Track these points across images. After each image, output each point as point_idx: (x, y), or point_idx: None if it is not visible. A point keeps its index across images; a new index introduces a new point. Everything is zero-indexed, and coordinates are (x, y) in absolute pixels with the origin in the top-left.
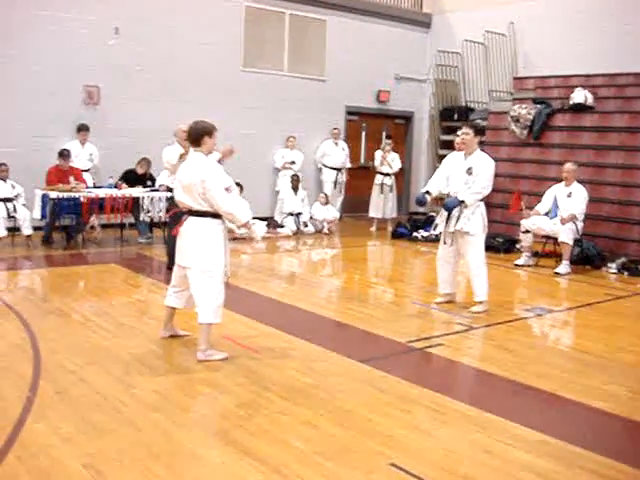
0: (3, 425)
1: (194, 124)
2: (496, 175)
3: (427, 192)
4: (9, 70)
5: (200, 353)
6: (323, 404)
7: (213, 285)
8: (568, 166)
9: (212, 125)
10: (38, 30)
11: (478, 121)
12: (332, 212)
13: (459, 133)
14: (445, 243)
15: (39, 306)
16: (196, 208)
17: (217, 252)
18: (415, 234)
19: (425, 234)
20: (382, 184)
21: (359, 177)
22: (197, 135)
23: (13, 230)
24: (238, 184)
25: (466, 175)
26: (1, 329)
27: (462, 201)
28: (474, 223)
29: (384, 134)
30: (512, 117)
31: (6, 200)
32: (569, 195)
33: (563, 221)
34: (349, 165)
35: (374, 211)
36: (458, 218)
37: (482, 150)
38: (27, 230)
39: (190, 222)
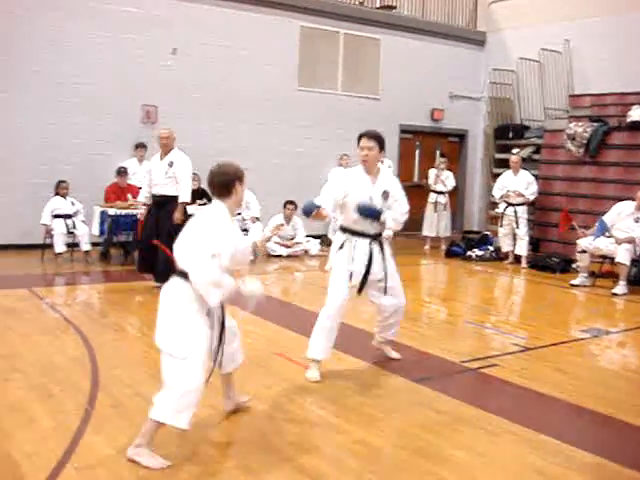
0: (62, 436)
1: (218, 168)
2: (552, 194)
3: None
4: (70, 90)
5: (131, 447)
6: (377, 423)
7: (182, 377)
8: None
9: (240, 168)
10: (100, 51)
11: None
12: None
13: (361, 145)
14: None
15: (97, 321)
16: (182, 268)
17: (194, 332)
18: (469, 253)
19: (480, 253)
20: (436, 202)
21: (413, 195)
22: (227, 182)
23: (72, 246)
24: (292, 202)
25: (382, 200)
26: (60, 343)
27: (382, 222)
28: (392, 261)
29: (438, 152)
30: (568, 135)
31: (66, 217)
32: (637, 220)
33: (619, 241)
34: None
35: (428, 230)
36: (370, 260)
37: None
38: (86, 246)
39: (170, 285)
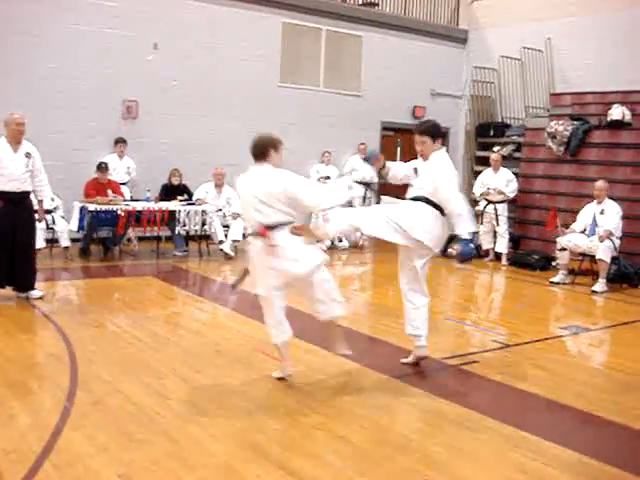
0: (40, 433)
1: (259, 136)
2: (532, 192)
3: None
4: (51, 84)
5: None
6: (358, 419)
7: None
8: (599, 184)
9: (278, 139)
10: (79, 45)
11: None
12: None
13: (415, 141)
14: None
15: (76, 317)
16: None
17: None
18: (450, 250)
19: None
20: None
21: (394, 192)
22: (262, 148)
23: (51, 242)
24: None
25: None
26: (39, 339)
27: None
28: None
29: None
30: (549, 133)
31: (46, 212)
32: (602, 212)
33: (600, 238)
34: (377, 180)
35: None
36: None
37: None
38: (65, 242)
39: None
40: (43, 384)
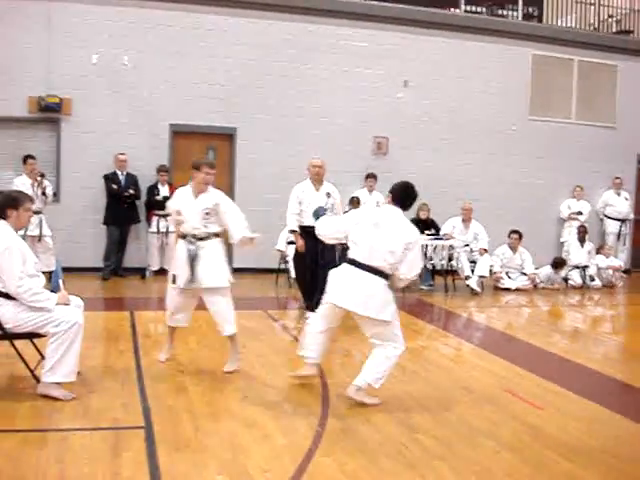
0: (294, 455)
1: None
2: None
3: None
4: (309, 123)
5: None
6: (612, 471)
7: None
8: None
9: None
10: (335, 84)
11: None
12: (616, 261)
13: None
14: None
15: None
16: None
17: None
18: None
19: None
20: None
21: None
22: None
23: None
24: (517, 231)
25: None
26: (293, 365)
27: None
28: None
29: None
30: None
31: None
32: None
33: None
34: (632, 216)
35: None
36: None
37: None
38: None
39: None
40: (297, 408)
